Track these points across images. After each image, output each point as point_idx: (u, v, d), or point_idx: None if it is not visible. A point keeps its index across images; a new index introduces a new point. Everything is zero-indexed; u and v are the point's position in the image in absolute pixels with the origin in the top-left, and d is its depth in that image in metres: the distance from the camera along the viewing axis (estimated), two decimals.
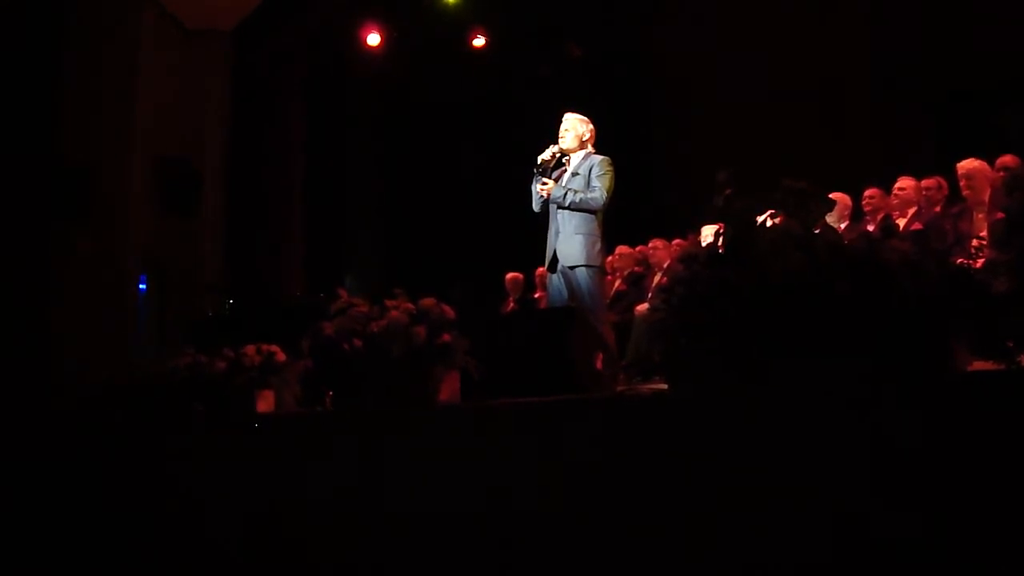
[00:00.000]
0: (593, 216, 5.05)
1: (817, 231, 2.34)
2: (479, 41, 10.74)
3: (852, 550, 2.08)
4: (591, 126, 5.29)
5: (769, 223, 2.37)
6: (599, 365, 4.11)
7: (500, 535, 2.82)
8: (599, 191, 5.02)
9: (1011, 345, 2.11)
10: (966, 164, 5.51)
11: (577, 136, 5.24)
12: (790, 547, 2.16)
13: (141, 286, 8.46)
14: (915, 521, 2.00)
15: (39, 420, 6.12)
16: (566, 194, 5.03)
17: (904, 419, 2.05)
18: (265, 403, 4.56)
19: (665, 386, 2.62)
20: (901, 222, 5.85)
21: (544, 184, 5.12)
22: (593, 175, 5.07)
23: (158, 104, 8.51)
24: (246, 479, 3.91)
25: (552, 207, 5.17)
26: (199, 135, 9.13)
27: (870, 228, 5.93)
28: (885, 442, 2.06)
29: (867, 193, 6.22)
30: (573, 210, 5.03)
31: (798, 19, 8.68)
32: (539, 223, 5.32)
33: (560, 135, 5.27)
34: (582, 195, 5.02)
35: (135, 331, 8.13)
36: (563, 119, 5.32)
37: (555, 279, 5.14)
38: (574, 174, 5.15)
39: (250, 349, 4.67)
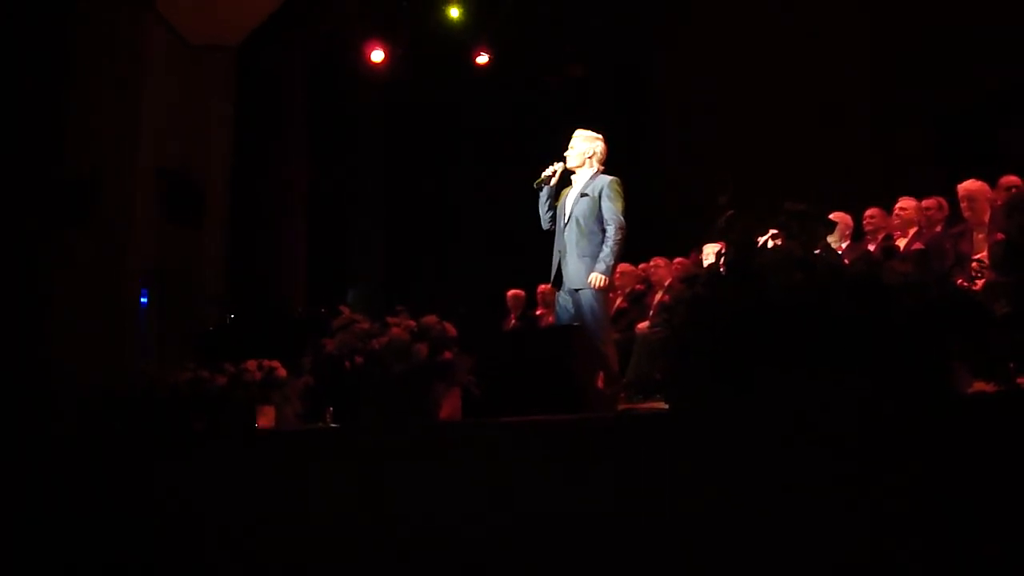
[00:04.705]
0: (601, 239, 4.95)
1: (818, 252, 2.36)
2: (483, 59, 10.79)
3: (850, 569, 2.08)
4: (600, 144, 5.17)
5: (771, 244, 2.38)
6: (600, 384, 4.11)
7: (501, 553, 2.81)
8: (615, 219, 4.93)
9: (1012, 367, 2.12)
10: (967, 185, 5.53)
11: (581, 154, 5.15)
12: (789, 566, 2.16)
13: (142, 299, 8.48)
14: (914, 543, 2.00)
15: (38, 430, 6.12)
16: (602, 265, 4.89)
17: (904, 440, 2.06)
18: (265, 419, 4.57)
19: (666, 405, 2.62)
20: (902, 242, 5.86)
21: (600, 281, 4.90)
22: (603, 200, 4.97)
23: (163, 117, 8.57)
24: (245, 494, 3.91)
25: (559, 225, 5.13)
26: (203, 149, 9.19)
27: (871, 248, 5.95)
28: (886, 463, 2.06)
29: (868, 213, 6.23)
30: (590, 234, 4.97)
31: (800, 39, 8.72)
32: (541, 240, 5.30)
33: (566, 151, 5.21)
34: (607, 249, 4.90)
35: (136, 342, 8.15)
36: (573, 135, 5.24)
37: (562, 297, 5.08)
38: (582, 195, 5.05)
39: (251, 364, 4.68)
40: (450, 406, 3.60)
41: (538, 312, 8.30)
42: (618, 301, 7.47)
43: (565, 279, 5.03)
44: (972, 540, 1.93)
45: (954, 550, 1.95)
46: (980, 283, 2.55)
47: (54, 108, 7.86)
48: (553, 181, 5.20)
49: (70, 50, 8.01)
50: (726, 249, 2.41)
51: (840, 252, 5.54)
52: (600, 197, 5.00)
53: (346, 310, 3.76)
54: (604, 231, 4.97)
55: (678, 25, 10.00)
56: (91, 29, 8.09)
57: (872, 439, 2.09)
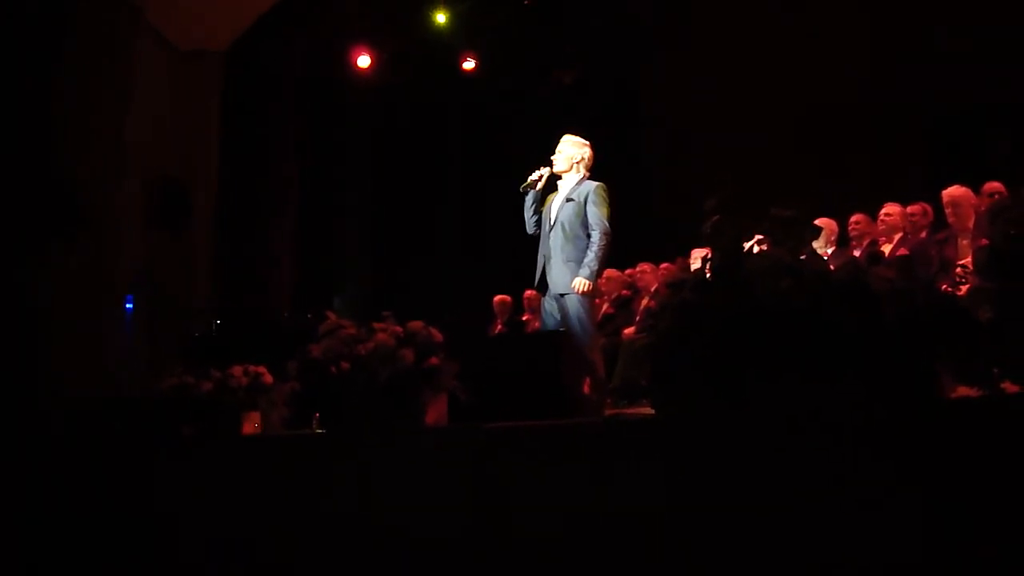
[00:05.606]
0: (585, 244, 4.94)
1: (803, 257, 2.36)
2: (469, 64, 10.80)
3: (842, 570, 2.08)
4: (588, 150, 5.16)
5: (756, 250, 2.38)
6: (586, 389, 4.11)
7: (484, 562, 2.81)
8: (600, 224, 4.93)
9: (996, 371, 2.13)
10: (951, 191, 5.56)
11: (569, 158, 5.13)
12: (781, 568, 2.17)
13: (128, 305, 8.43)
14: (901, 546, 2.01)
15: (24, 436, 6.07)
16: (586, 270, 4.88)
17: (896, 443, 2.07)
18: (252, 424, 4.54)
19: (651, 411, 2.62)
20: (887, 248, 5.89)
21: (585, 283, 4.90)
22: (589, 205, 4.97)
23: (151, 124, 8.51)
24: (232, 501, 3.89)
25: (544, 230, 5.13)
26: (191, 155, 9.13)
27: (856, 253, 5.97)
28: (871, 467, 2.07)
29: (853, 219, 6.26)
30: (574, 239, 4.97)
31: (790, 46, 8.74)
32: (528, 246, 5.30)
33: (553, 156, 5.21)
34: (591, 254, 4.90)
35: (123, 349, 8.09)
36: (561, 140, 5.24)
37: (547, 303, 5.09)
38: (568, 199, 5.05)
39: (237, 370, 4.66)
40: (436, 412, 3.59)
41: (524, 317, 8.31)
42: (604, 307, 7.48)
43: (550, 284, 5.03)
44: (965, 540, 1.94)
45: (947, 551, 1.96)
46: (964, 289, 2.56)
47: (44, 116, 7.81)
48: (539, 185, 5.20)
49: (60, 59, 7.97)
50: (712, 254, 2.42)
51: (825, 258, 5.58)
52: (586, 202, 5.00)
53: (332, 315, 3.75)
54: (589, 236, 4.97)
55: (677, 25, 9.99)
56: (81, 38, 8.05)
57: (865, 442, 2.09)
